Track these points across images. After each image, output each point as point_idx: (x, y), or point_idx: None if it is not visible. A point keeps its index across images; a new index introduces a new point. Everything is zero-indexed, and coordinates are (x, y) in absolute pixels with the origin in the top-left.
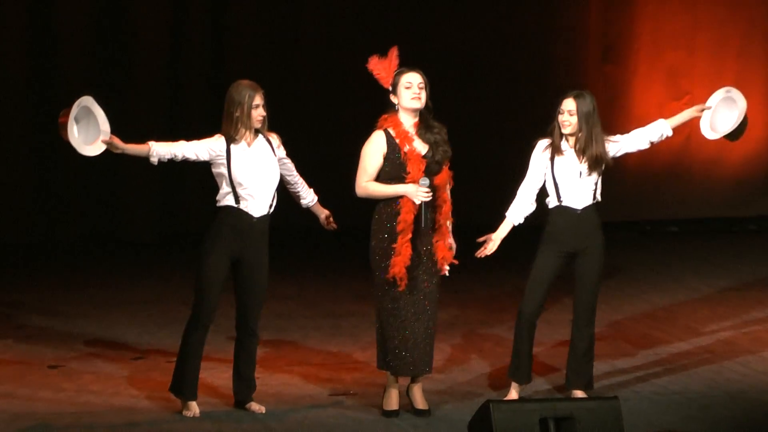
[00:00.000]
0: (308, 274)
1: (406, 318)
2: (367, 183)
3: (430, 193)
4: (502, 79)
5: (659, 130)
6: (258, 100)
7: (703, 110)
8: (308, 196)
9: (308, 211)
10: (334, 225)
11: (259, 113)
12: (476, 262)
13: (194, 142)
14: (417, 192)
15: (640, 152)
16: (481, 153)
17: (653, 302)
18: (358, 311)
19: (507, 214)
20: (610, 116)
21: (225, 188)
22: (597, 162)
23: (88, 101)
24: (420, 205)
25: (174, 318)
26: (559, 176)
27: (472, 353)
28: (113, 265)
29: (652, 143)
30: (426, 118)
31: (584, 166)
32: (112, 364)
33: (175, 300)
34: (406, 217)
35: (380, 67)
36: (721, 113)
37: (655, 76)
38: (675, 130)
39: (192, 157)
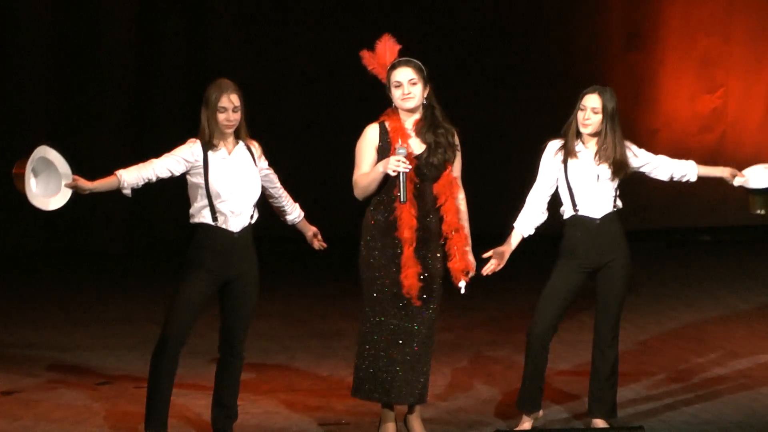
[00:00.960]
0: (294, 288)
1: (390, 340)
2: (358, 179)
3: (407, 164)
4: (509, 71)
5: (686, 170)
6: (225, 101)
7: (735, 176)
8: (293, 212)
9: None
10: (323, 244)
11: (225, 118)
12: (484, 278)
13: (165, 158)
14: (390, 161)
15: (667, 153)
16: (488, 155)
17: (683, 320)
18: (350, 330)
19: (515, 224)
20: (635, 112)
21: (200, 201)
22: (621, 167)
23: (44, 151)
24: (398, 176)
25: (144, 338)
26: (574, 182)
27: (479, 378)
28: (75, 279)
29: (671, 179)
30: (434, 118)
31: (602, 169)
32: (74, 391)
33: (145, 318)
34: (410, 223)
35: (373, 62)
36: (756, 176)
37: (686, 65)
38: (699, 178)
39: (167, 175)
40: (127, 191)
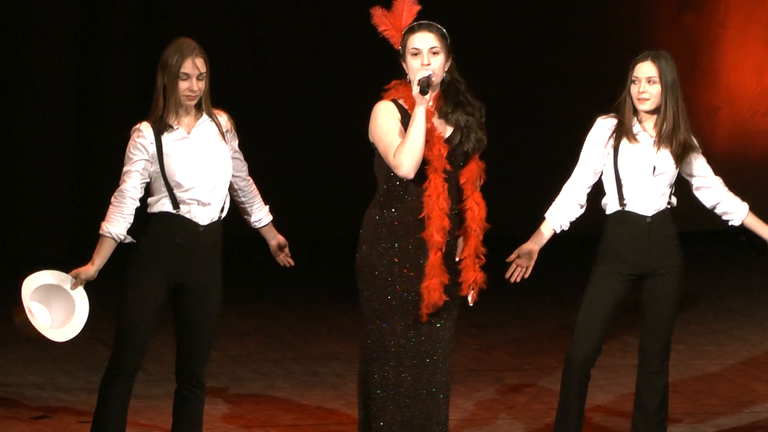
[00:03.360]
0: (274, 302)
1: (396, 367)
2: (396, 153)
3: (427, 71)
4: (542, 41)
5: (734, 209)
6: (189, 67)
7: None
8: (259, 213)
9: (277, 221)
10: (290, 260)
11: (188, 87)
12: (506, 288)
13: (130, 178)
14: (415, 79)
15: (730, 137)
16: (516, 142)
17: (750, 341)
18: (342, 353)
19: (547, 215)
20: (690, 86)
21: (159, 191)
22: (685, 151)
23: (28, 285)
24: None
25: (89, 363)
26: (625, 171)
27: (499, 410)
28: (2, 291)
29: (712, 209)
30: (456, 91)
31: (662, 158)
32: (5, 427)
33: (89, 337)
34: (442, 224)
35: (387, 22)
36: None
37: (753, 30)
38: (744, 224)
39: (142, 190)
40: (128, 239)
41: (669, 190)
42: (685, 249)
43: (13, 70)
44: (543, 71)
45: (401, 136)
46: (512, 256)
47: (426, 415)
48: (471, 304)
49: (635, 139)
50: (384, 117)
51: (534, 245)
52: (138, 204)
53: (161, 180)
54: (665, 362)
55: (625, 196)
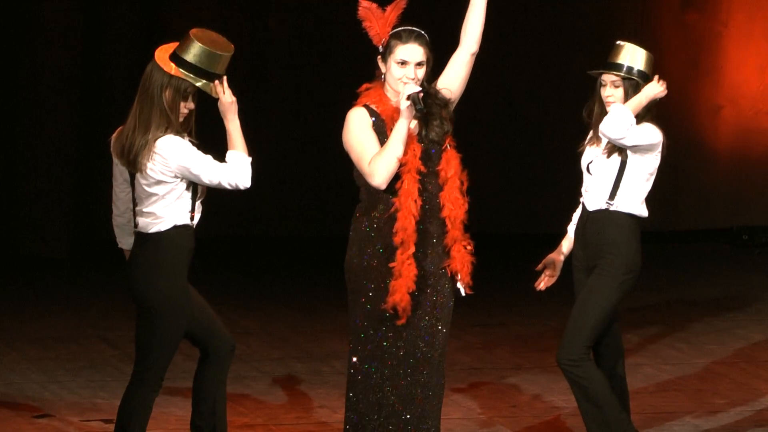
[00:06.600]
0: (275, 300)
1: (388, 372)
2: (372, 161)
3: (417, 86)
4: (545, 39)
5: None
6: (191, 88)
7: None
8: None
9: (280, 218)
10: None
11: (188, 106)
12: (508, 287)
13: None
14: (404, 93)
15: (733, 136)
16: (517, 140)
17: (752, 339)
18: (345, 352)
19: (569, 227)
20: (693, 85)
21: (183, 203)
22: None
23: None
24: (411, 104)
25: (92, 361)
26: (583, 169)
27: (501, 410)
28: (6, 290)
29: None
30: (421, 86)
31: (598, 155)
32: (6, 425)
33: (92, 335)
34: (405, 224)
35: (373, 19)
36: None
37: (756, 28)
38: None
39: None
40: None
41: (611, 186)
42: (688, 247)
43: (16, 69)
44: (544, 69)
45: (373, 143)
46: (539, 266)
47: (421, 418)
48: (463, 295)
49: (593, 140)
50: (355, 125)
51: (558, 255)
52: None
53: (192, 190)
54: (567, 363)
55: (582, 189)
